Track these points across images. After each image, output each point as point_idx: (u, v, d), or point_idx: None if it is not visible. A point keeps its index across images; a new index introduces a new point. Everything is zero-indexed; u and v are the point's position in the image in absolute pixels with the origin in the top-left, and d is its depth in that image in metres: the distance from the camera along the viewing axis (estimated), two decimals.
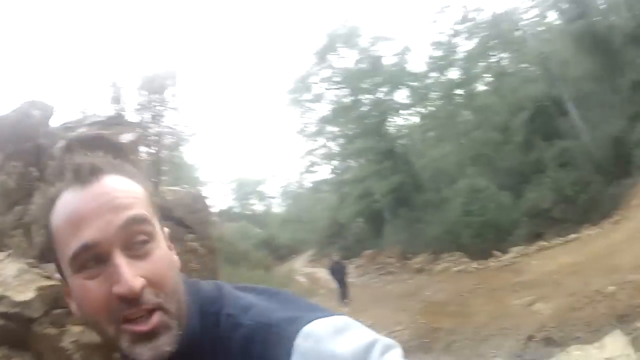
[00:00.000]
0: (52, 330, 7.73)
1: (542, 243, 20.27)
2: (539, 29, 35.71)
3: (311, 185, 53.42)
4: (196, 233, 12.75)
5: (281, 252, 42.73)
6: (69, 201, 1.08)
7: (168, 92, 21.71)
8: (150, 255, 1.08)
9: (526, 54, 33.03)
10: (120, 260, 1.03)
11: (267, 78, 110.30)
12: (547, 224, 23.31)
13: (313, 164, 45.45)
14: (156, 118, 25.98)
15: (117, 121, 12.40)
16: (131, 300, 1.02)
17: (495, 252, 21.49)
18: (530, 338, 11.85)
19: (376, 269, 27.27)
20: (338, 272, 20.29)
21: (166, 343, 1.05)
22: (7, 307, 7.71)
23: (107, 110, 16.71)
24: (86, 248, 1.03)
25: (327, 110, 40.17)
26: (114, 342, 1.07)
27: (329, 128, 40.49)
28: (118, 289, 1.01)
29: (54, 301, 7.94)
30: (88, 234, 1.04)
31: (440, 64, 36.05)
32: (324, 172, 47.82)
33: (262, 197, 70.03)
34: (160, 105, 22.55)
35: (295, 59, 78.42)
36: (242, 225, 49.78)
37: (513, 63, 35.95)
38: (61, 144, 10.61)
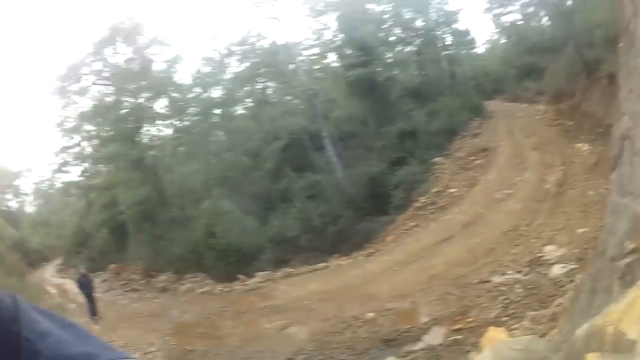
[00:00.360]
0: None
1: (289, 270, 20.60)
2: (315, 67, 37.07)
3: (62, 186, 49.05)
4: None
5: (32, 258, 39.17)
6: None
7: None
8: None
9: (294, 87, 33.85)
10: None
11: (38, 62, 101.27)
12: (293, 251, 23.76)
13: (66, 163, 41.48)
14: None
15: None
16: None
17: (240, 276, 21.49)
18: None
19: (121, 284, 26.25)
20: (85, 286, 18.94)
21: None
22: None
23: None
24: None
25: (87, 106, 37.28)
26: None
27: (87, 126, 37.66)
28: None
29: None
30: None
31: (205, 80, 35.84)
32: (76, 173, 44.05)
33: (17, 192, 62.71)
34: None
35: (74, 46, 72.12)
36: None
37: (278, 93, 36.87)
38: None
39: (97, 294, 19.67)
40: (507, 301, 12.14)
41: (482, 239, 16.63)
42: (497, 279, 13.56)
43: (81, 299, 19.15)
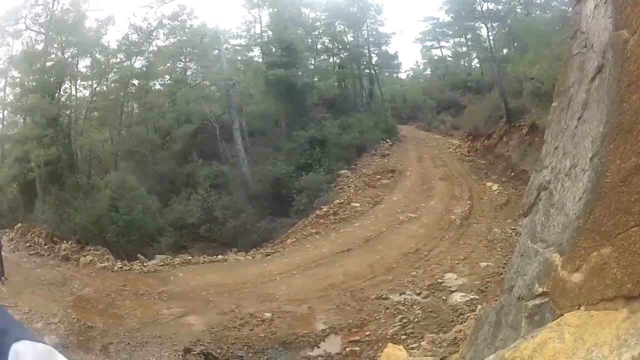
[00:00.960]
0: None
1: (187, 257, 20.64)
2: (238, 57, 37.13)
3: None
4: None
5: None
6: None
7: None
8: None
9: (214, 73, 33.74)
10: None
11: None
12: (192, 238, 24.02)
13: None
14: None
15: None
16: None
17: (140, 256, 21.33)
18: (187, 351, 11.99)
19: (27, 246, 24.86)
20: None
21: None
22: None
23: None
24: None
25: (18, 51, 35.34)
26: None
27: (14, 73, 35.88)
28: None
29: None
30: None
31: (130, 49, 34.71)
32: None
33: None
34: None
35: None
36: None
37: (197, 77, 36.62)
38: None
39: (4, 253, 18.94)
40: (405, 320, 12.61)
41: (382, 256, 17.16)
42: (395, 297, 14.03)
43: None
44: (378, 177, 26.52)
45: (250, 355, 11.54)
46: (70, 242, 23.56)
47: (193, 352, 11.87)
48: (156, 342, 12.47)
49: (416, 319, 12.54)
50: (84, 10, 33.68)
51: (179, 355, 11.81)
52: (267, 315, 13.17)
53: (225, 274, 17.40)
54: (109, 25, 34.62)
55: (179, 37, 35.09)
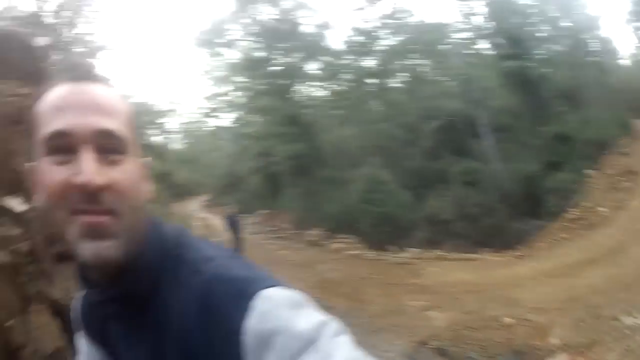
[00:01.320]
0: None
1: (440, 252, 20.55)
2: (466, 51, 36.02)
3: (213, 129, 52.30)
4: None
5: (175, 190, 39.54)
6: (60, 91, 1.14)
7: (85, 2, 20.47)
8: (118, 165, 1.12)
9: (448, 69, 33.46)
10: (88, 155, 1.08)
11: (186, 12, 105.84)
12: (444, 234, 23.53)
13: (217, 109, 44.70)
14: (71, 25, 24.59)
15: (34, 20, 11.78)
16: (88, 194, 1.07)
17: (391, 247, 21.51)
18: (422, 343, 12.04)
19: (270, 230, 27.05)
20: (234, 225, 20.18)
21: (110, 248, 1.10)
22: None
23: (26, 7, 15.18)
24: (61, 134, 1.10)
25: (237, 58, 39.04)
26: (62, 231, 1.11)
27: (238, 78, 39.41)
28: (79, 179, 1.07)
29: None
30: (67, 122, 1.10)
31: (358, 50, 35.86)
32: (227, 119, 46.75)
33: (162, 129, 65.30)
34: (76, 14, 21.35)
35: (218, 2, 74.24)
36: None
37: (432, 73, 36.47)
38: None
39: (245, 236, 20.79)
40: (627, 348, 11.40)
41: (623, 271, 15.92)
42: (626, 319, 12.81)
43: (227, 236, 19.87)
44: (621, 178, 24.50)
45: (483, 358, 11.30)
46: (319, 229, 24.83)
47: (428, 346, 11.88)
48: (393, 330, 12.72)
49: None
50: (296, 17, 35.21)
51: (412, 345, 11.90)
52: (508, 320, 12.84)
53: (474, 273, 17.25)
54: (326, 30, 35.85)
55: (403, 35, 35.07)
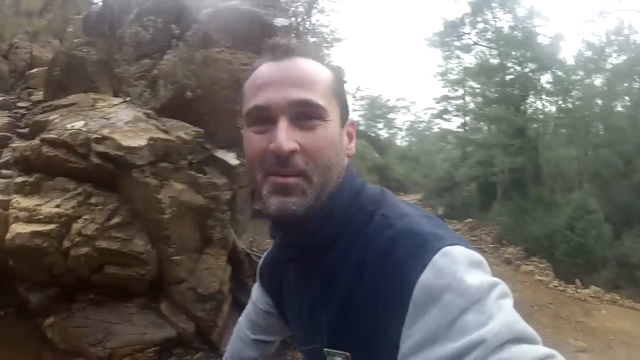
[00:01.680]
0: (153, 181, 8.15)
1: (617, 297, 20.04)
2: None
3: (438, 131, 52.16)
4: None
5: (390, 184, 39.44)
6: (262, 70, 1.30)
7: None
8: (313, 130, 1.23)
9: None
10: (282, 125, 1.20)
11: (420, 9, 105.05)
12: (629, 279, 22.61)
13: (446, 111, 44.91)
14: (307, 13, 25.69)
15: (272, 3, 12.12)
16: (281, 158, 1.19)
17: (577, 281, 21.33)
18: None
19: (471, 240, 26.19)
20: None
21: (295, 203, 1.22)
22: (110, 149, 8.12)
23: None
24: (258, 108, 1.24)
25: (470, 63, 39.18)
26: (259, 189, 1.27)
27: (470, 83, 39.33)
28: (272, 146, 1.20)
29: (163, 155, 8.44)
30: (264, 98, 1.24)
31: (588, 65, 34.82)
32: (453, 122, 47.35)
33: (389, 124, 66.51)
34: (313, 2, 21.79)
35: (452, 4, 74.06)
36: (362, 144, 45.23)
37: None
38: (208, 10, 11.04)
39: None
40: None
41: None
42: None
43: None
44: None
45: None
46: (517, 248, 24.76)
47: None
48: None
49: None
50: (531, 25, 34.08)
51: None
52: None
53: (637, 325, 16.65)
54: (561, 41, 35.07)
55: (628, 54, 33.11)
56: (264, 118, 1.25)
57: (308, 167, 1.23)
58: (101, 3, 14.06)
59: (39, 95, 13.84)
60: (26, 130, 10.59)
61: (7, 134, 11.09)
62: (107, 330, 7.66)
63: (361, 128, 58.20)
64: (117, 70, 11.16)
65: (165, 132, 8.85)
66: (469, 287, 1.03)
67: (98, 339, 7.62)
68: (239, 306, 8.56)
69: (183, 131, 9.10)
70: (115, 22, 11.31)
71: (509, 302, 1.08)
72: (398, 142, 67.79)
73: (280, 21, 10.76)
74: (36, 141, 8.81)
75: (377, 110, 63.39)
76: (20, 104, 13.62)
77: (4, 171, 9.39)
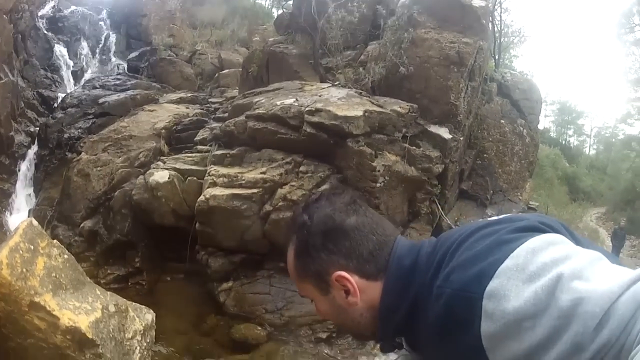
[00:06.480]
0: (367, 150, 8.36)
1: None
2: None
3: (622, 137, 48.33)
4: (526, 120, 12.95)
5: (576, 195, 37.60)
6: None
7: None
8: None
9: None
10: None
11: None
12: None
13: (629, 115, 41.82)
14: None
15: None
16: None
17: None
18: None
19: None
20: (617, 239, 19.98)
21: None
22: (325, 119, 8.38)
23: None
24: None
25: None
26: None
27: None
28: None
29: (378, 127, 8.66)
30: None
31: None
32: (636, 128, 43.83)
33: (579, 131, 63.59)
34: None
35: None
36: (554, 152, 41.29)
37: None
38: None
39: (621, 255, 20.11)
40: None
41: None
42: None
43: (607, 248, 18.40)
44: None
45: None
46: None
47: None
48: None
49: None
50: None
51: None
52: None
53: None
54: None
55: None
56: None
57: None
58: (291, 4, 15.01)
59: (231, 92, 14.97)
60: (224, 115, 11.28)
61: (202, 118, 12.14)
62: (289, 300, 8.00)
63: (552, 134, 56.16)
64: (321, 61, 11.77)
65: (380, 106, 9.06)
66: (524, 315, 0.98)
67: (277, 307, 8.01)
68: None
69: (397, 105, 9.34)
70: (314, 16, 11.68)
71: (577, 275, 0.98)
72: (586, 150, 63.42)
73: (477, 2, 10.95)
74: (241, 117, 9.37)
75: (566, 115, 61.20)
76: (213, 100, 14.75)
77: (200, 147, 10.18)
